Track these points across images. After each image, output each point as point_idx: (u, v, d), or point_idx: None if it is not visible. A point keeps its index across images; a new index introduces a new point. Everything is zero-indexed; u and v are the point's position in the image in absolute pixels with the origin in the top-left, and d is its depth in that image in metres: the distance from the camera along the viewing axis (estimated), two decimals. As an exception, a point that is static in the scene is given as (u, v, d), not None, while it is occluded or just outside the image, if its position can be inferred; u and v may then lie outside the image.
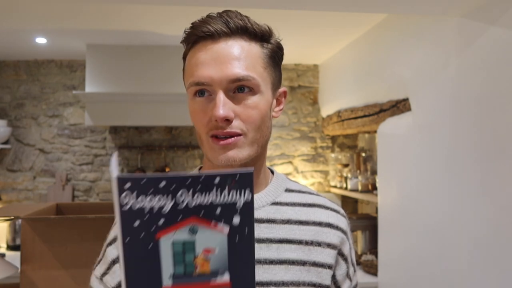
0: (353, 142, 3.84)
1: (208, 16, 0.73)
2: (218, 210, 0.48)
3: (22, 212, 1.47)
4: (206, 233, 0.48)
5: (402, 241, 2.27)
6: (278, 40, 0.78)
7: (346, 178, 3.30)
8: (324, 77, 3.74)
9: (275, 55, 0.77)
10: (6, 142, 3.56)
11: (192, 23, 0.74)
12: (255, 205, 0.76)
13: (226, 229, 0.49)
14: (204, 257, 0.49)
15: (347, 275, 0.81)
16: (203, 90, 0.72)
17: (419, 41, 2.16)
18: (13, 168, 3.61)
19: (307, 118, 3.83)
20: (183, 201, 0.47)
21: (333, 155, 3.75)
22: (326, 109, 3.65)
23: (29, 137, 3.62)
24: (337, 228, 0.80)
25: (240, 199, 0.49)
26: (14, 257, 2.64)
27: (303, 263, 0.74)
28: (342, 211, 0.85)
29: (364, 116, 2.77)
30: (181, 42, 0.77)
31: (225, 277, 0.49)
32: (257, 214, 0.76)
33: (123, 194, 0.46)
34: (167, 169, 3.67)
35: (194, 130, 3.62)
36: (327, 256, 0.77)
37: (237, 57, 0.71)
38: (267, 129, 0.76)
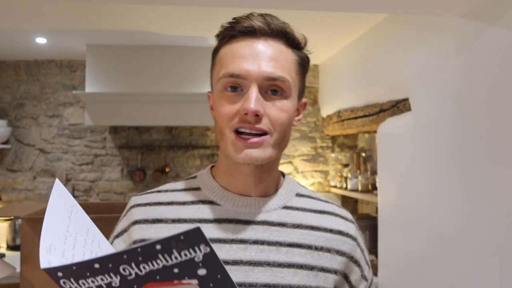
0: (353, 142, 3.84)
1: (251, 14, 0.75)
2: (176, 270, 0.47)
3: (22, 212, 1.47)
4: None
5: (402, 241, 2.27)
6: (308, 53, 0.79)
7: (346, 178, 3.30)
8: (324, 77, 3.74)
9: (304, 65, 0.79)
10: (6, 142, 3.56)
11: (234, 18, 0.75)
12: (267, 207, 0.77)
13: (194, 281, 0.47)
14: None
15: (362, 276, 0.82)
16: (235, 85, 0.71)
17: (419, 41, 2.16)
18: (13, 168, 3.61)
19: (307, 118, 3.83)
20: (130, 273, 0.45)
21: (333, 155, 3.75)
22: (326, 109, 3.65)
23: (29, 137, 3.62)
24: (347, 235, 0.80)
25: (198, 254, 0.47)
26: (14, 257, 2.64)
27: (311, 268, 0.74)
28: (350, 216, 0.86)
29: (364, 116, 2.77)
30: (215, 36, 0.77)
31: None
32: (268, 216, 0.76)
33: (61, 281, 0.45)
34: (167, 169, 3.67)
35: (194, 131, 3.60)
36: (336, 262, 0.77)
37: (275, 57, 0.72)
38: (289, 134, 0.77)
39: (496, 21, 1.59)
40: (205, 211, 0.77)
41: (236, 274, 0.71)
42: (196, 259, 0.47)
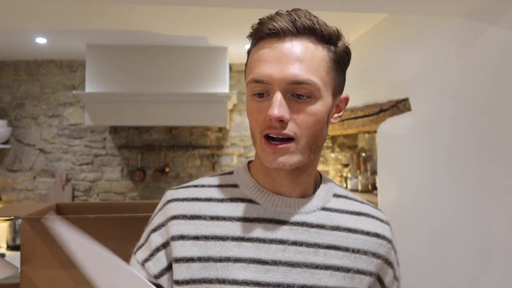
0: (353, 142, 3.84)
1: (277, 13, 0.72)
2: None
3: (22, 212, 1.47)
4: None
5: (402, 241, 2.27)
6: (347, 44, 0.76)
7: (346, 178, 3.30)
8: (324, 77, 3.74)
9: (341, 60, 0.76)
10: (6, 142, 3.56)
11: (260, 19, 0.73)
12: (307, 209, 0.77)
13: None
14: None
15: (395, 277, 0.83)
16: (261, 93, 0.70)
17: (419, 41, 2.15)
18: (13, 168, 3.61)
19: (307, 118, 3.82)
20: None
21: (333, 155, 3.75)
22: (326, 109, 3.65)
23: (29, 137, 3.62)
24: (384, 238, 0.80)
25: None
26: (14, 257, 2.64)
27: (347, 270, 0.74)
28: (385, 218, 0.85)
29: (364, 116, 2.77)
30: (247, 37, 0.76)
31: None
32: (307, 218, 0.76)
33: None
34: (167, 169, 3.67)
35: (194, 131, 3.61)
36: (372, 265, 0.77)
37: (300, 58, 0.69)
38: (323, 135, 0.75)
39: (496, 21, 1.59)
40: (244, 210, 0.76)
41: (275, 275, 0.71)
42: None
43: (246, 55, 0.78)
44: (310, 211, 0.77)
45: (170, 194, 0.81)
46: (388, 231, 0.82)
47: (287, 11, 0.72)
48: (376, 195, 2.67)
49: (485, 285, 1.64)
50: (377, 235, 0.79)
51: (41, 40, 3.10)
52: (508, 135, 1.53)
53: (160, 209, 0.80)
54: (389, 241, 0.81)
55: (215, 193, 0.79)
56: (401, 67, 2.33)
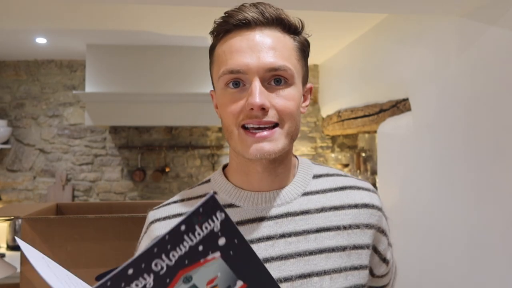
0: (353, 142, 3.84)
1: (243, 5, 0.72)
2: (200, 248, 0.47)
3: (22, 212, 1.47)
4: (201, 271, 0.47)
5: (402, 241, 2.27)
6: (306, 36, 0.77)
7: (346, 178, 3.30)
8: (324, 77, 3.74)
9: (305, 49, 0.76)
10: (6, 142, 3.56)
11: (226, 12, 0.72)
12: (287, 198, 0.75)
13: (216, 254, 0.48)
14: (211, 287, 0.48)
15: (389, 244, 0.83)
16: (237, 81, 0.69)
17: (419, 41, 2.16)
18: (13, 168, 3.61)
19: (307, 118, 3.82)
20: (162, 267, 0.46)
21: (333, 155, 3.75)
22: (326, 109, 3.65)
23: (29, 137, 3.62)
24: (373, 207, 0.79)
25: (216, 224, 0.47)
26: (14, 257, 2.64)
27: (343, 248, 0.73)
28: (372, 187, 0.84)
29: (364, 116, 2.77)
30: (210, 33, 0.75)
31: (239, 284, 0.49)
32: (290, 207, 0.75)
33: None
34: (167, 169, 3.67)
35: (194, 131, 3.60)
36: (366, 236, 0.76)
37: (273, 46, 0.69)
38: (299, 123, 0.75)
39: (496, 21, 1.59)
40: None
41: (269, 271, 0.71)
42: (215, 229, 0.47)
43: (208, 52, 0.77)
44: (291, 199, 0.75)
45: (151, 215, 0.80)
46: (376, 199, 0.81)
47: (252, 3, 0.72)
48: (376, 195, 2.67)
49: (485, 285, 1.64)
50: (365, 205, 0.78)
51: (41, 40, 3.10)
52: (508, 135, 1.53)
53: (145, 232, 0.81)
54: (378, 209, 0.80)
55: (196, 204, 0.80)
56: (401, 67, 2.33)
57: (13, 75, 3.63)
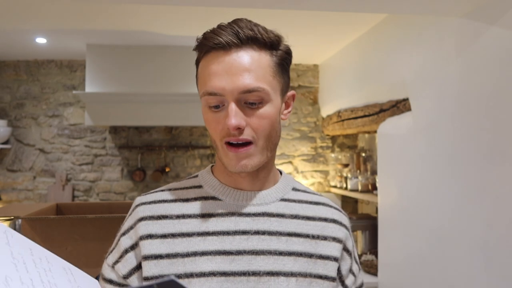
0: (353, 142, 3.84)
1: (219, 27, 0.76)
2: None
3: (22, 212, 1.47)
4: None
5: (402, 241, 2.27)
6: (286, 46, 0.81)
7: (346, 178, 3.30)
8: (324, 77, 3.74)
9: (284, 62, 0.80)
10: (6, 142, 3.56)
11: (204, 34, 0.78)
12: (266, 200, 0.82)
13: None
14: None
15: (350, 270, 0.86)
16: (217, 105, 0.75)
17: (419, 41, 2.16)
18: (13, 168, 3.61)
19: (307, 118, 3.83)
20: None
21: (333, 155, 3.75)
22: (326, 109, 3.65)
23: (29, 137, 3.62)
24: (341, 224, 0.85)
25: None
26: (14, 257, 2.64)
27: (310, 255, 0.79)
28: (343, 211, 0.90)
29: (364, 116, 2.77)
30: (193, 50, 0.81)
31: None
32: (268, 208, 0.81)
33: None
34: (167, 169, 3.67)
35: (194, 131, 3.60)
36: (333, 249, 0.82)
37: (248, 68, 0.74)
38: (276, 133, 0.80)
39: (496, 21, 1.59)
40: (207, 206, 0.81)
41: (240, 263, 0.75)
42: None
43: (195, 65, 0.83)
44: (270, 201, 0.82)
45: (138, 199, 0.86)
46: (346, 220, 0.88)
47: (229, 23, 0.76)
48: (376, 195, 2.67)
49: (485, 285, 1.64)
50: (334, 221, 0.85)
51: (41, 40, 3.10)
52: (508, 135, 1.53)
53: (130, 214, 0.85)
54: (346, 228, 0.86)
55: (181, 194, 0.84)
56: (401, 67, 2.33)
57: (13, 75, 3.63)
